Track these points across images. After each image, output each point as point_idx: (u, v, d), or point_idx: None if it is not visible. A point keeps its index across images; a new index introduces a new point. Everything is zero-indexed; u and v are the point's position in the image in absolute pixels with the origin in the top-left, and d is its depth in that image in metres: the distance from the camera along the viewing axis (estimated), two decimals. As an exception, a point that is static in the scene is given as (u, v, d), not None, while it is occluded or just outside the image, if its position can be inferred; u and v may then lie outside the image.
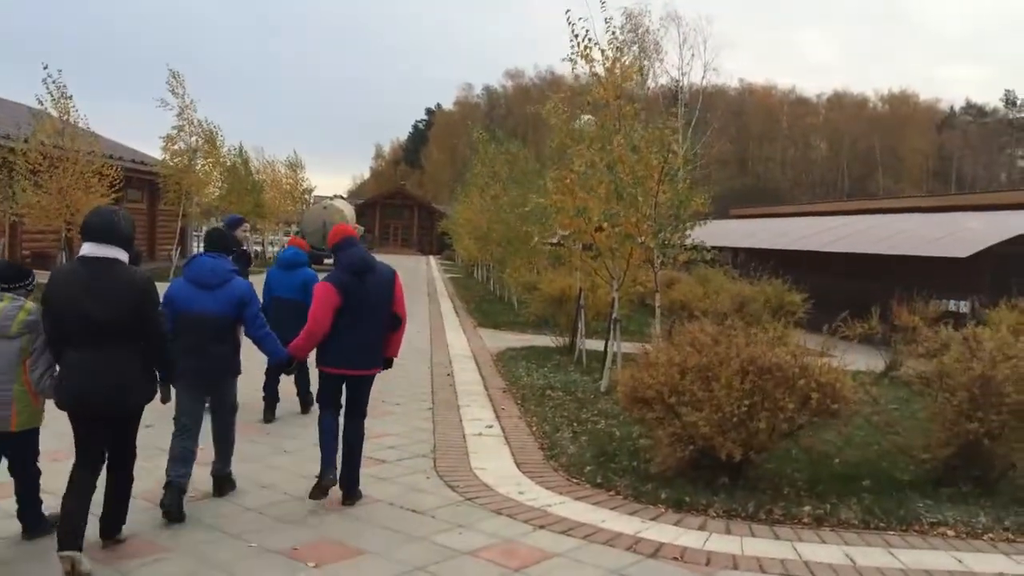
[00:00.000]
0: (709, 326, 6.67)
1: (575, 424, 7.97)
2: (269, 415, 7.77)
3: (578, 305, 12.30)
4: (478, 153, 22.93)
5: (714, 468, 6.01)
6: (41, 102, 18.05)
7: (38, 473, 4.66)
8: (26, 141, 17.15)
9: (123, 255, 4.36)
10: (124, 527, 4.68)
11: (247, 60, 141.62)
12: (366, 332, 5.47)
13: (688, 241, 9.56)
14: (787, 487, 6.01)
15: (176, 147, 25.04)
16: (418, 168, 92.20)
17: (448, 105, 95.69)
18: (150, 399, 4.61)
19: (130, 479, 4.68)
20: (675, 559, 4.79)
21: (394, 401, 8.91)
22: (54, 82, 17.87)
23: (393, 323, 5.66)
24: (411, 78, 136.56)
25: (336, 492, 5.52)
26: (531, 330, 15.79)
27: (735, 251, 26.15)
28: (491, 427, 7.92)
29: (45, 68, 17.91)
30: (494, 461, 6.71)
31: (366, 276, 5.48)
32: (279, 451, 6.79)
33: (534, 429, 7.85)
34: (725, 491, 5.84)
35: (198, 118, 25.48)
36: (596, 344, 12.26)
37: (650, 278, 10.22)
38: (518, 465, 6.63)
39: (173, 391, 5.09)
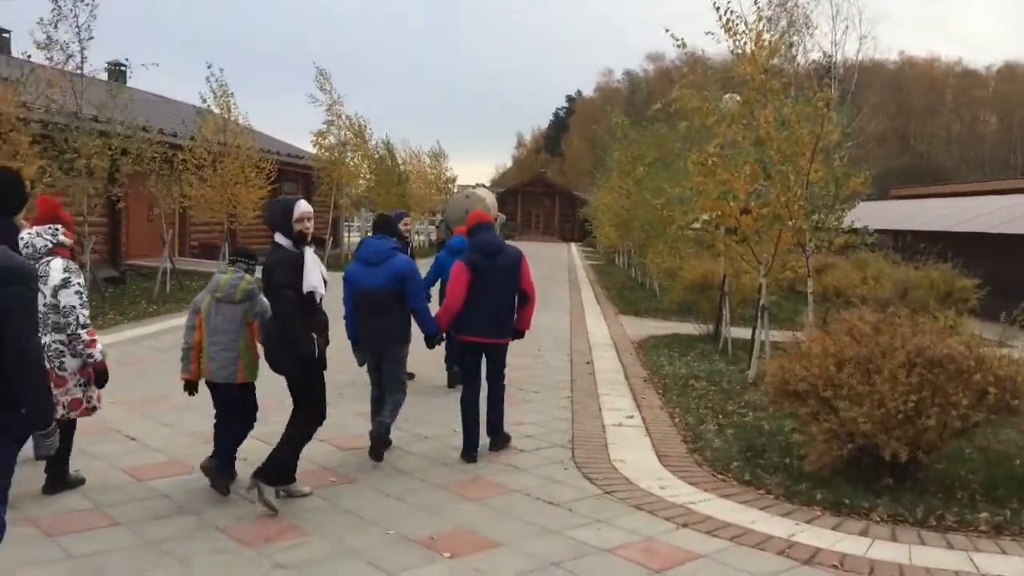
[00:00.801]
0: (869, 314, 6.14)
1: (720, 416, 7.59)
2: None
3: (722, 291, 11.80)
4: (617, 138, 22.55)
5: (876, 468, 5.52)
6: (204, 100, 19.13)
7: (251, 426, 5.36)
8: (192, 138, 18.22)
9: (279, 238, 4.98)
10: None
11: (392, 54, 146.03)
12: (496, 305, 6.15)
13: (846, 223, 8.88)
14: (960, 491, 5.45)
15: (326, 141, 26.05)
16: (559, 156, 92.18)
17: (589, 92, 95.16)
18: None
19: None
20: (834, 567, 4.40)
21: (532, 389, 8.81)
22: (216, 80, 18.89)
23: (522, 298, 6.32)
24: (552, 66, 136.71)
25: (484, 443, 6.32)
26: (674, 317, 15.34)
27: (896, 234, 24.46)
28: (631, 417, 7.66)
29: (209, 67, 19.00)
30: (634, 453, 6.47)
31: (495, 257, 6.17)
32: (419, 437, 6.81)
33: (676, 421, 7.54)
34: (889, 493, 5.35)
35: (346, 113, 26.41)
36: (742, 332, 11.73)
37: (800, 263, 9.63)
38: (660, 458, 6.36)
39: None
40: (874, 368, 5.50)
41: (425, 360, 8.48)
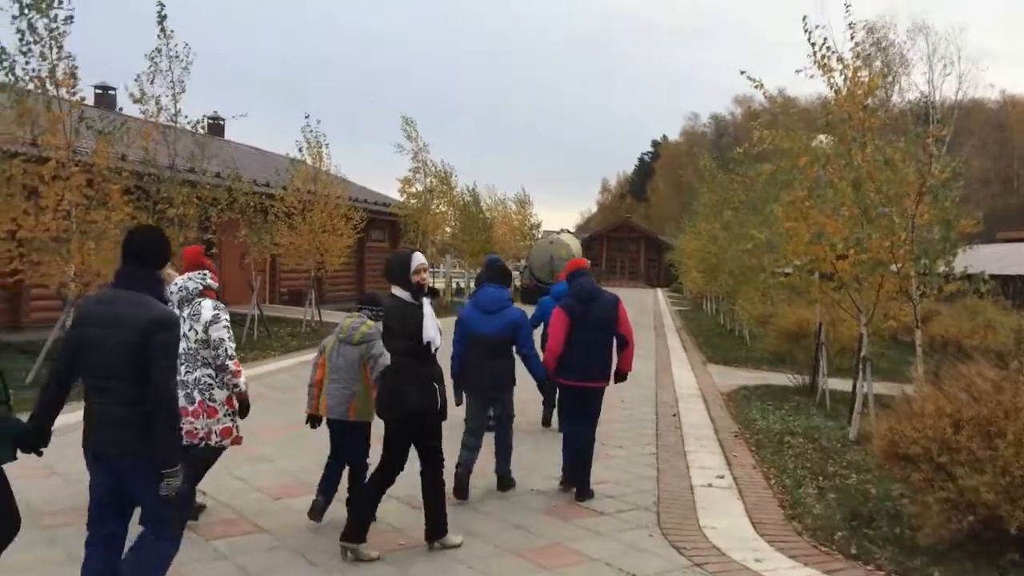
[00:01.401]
0: (988, 369, 5.56)
1: (820, 478, 7.03)
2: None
3: (818, 340, 11.15)
4: (705, 181, 22.05)
5: (1001, 542, 4.93)
6: (300, 149, 19.60)
7: (364, 465, 5.52)
8: (284, 188, 18.65)
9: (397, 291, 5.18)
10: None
11: (474, 102, 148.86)
12: (593, 350, 6.36)
13: (957, 268, 8.23)
14: (1102, 572, 4.80)
15: (412, 189, 26.38)
16: (644, 201, 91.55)
17: (674, 136, 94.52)
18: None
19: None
20: (958, 661, 3.86)
21: (615, 443, 8.40)
22: (312, 131, 19.35)
23: (620, 343, 6.57)
24: (637, 111, 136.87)
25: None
26: (766, 367, 14.66)
27: (1005, 279, 23.07)
28: (722, 477, 7.17)
29: (306, 118, 19.49)
30: (725, 519, 5.99)
31: (591, 302, 6.44)
32: (518, 466, 6.80)
33: (772, 482, 7.01)
34: (1015, 570, 4.76)
35: (431, 160, 26.75)
36: (840, 384, 11.03)
37: (904, 311, 8.98)
38: (754, 525, 5.86)
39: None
40: (996, 431, 4.94)
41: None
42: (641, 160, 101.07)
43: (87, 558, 3.69)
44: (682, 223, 32.34)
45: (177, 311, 5.22)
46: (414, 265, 5.08)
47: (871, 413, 8.45)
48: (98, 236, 11.07)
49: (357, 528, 4.96)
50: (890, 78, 45.24)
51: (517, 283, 34.68)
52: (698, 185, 24.78)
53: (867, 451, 7.07)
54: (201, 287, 5.41)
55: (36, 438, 3.70)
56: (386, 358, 5.29)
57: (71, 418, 4.49)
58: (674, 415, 10.17)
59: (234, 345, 5.37)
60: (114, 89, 24.95)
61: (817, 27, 8.78)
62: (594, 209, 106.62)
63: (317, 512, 5.54)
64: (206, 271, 5.47)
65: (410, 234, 26.61)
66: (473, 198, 34.17)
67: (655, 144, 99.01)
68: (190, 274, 5.45)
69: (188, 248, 5.69)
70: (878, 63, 43.32)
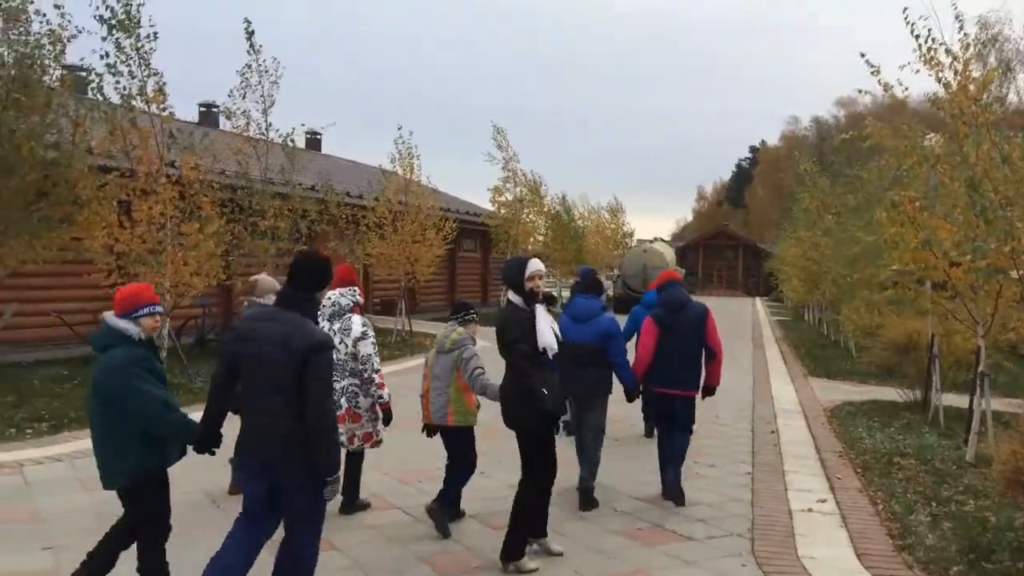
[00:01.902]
0: None
1: (934, 504, 6.46)
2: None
3: (930, 353, 10.40)
4: (806, 186, 21.18)
5: None
6: (392, 161, 19.82)
7: (471, 467, 5.79)
8: (376, 199, 18.89)
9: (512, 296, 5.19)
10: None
11: (568, 108, 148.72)
12: (682, 359, 6.52)
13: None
14: None
15: (502, 198, 26.37)
16: (742, 207, 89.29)
17: (773, 140, 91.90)
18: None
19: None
20: None
21: (707, 462, 7.98)
22: (404, 142, 19.53)
23: (708, 354, 6.63)
24: (734, 115, 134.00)
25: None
26: (872, 380, 13.83)
27: None
28: (824, 501, 6.68)
29: (399, 129, 19.72)
30: (827, 548, 5.53)
31: (680, 312, 6.58)
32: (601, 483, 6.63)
33: (879, 507, 6.48)
34: None
35: (521, 169, 26.68)
36: (955, 400, 10.27)
37: (1025, 321, 8.24)
38: (859, 556, 5.39)
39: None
40: None
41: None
42: (739, 166, 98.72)
43: (223, 549, 3.90)
44: (782, 230, 31.23)
45: (327, 323, 5.80)
46: (528, 271, 5.04)
47: (990, 433, 7.78)
48: (190, 248, 11.35)
49: (517, 545, 4.97)
50: (1006, 75, 42.63)
51: (610, 293, 34.21)
52: (798, 190, 23.80)
53: (986, 475, 6.50)
54: (352, 303, 5.93)
55: (210, 441, 4.06)
56: (477, 360, 5.61)
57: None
58: (772, 432, 9.64)
59: (379, 359, 5.90)
60: (217, 107, 25.95)
61: (921, 18, 8.18)
62: (690, 217, 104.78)
63: (436, 516, 5.61)
64: (355, 287, 5.99)
65: (501, 244, 26.59)
66: (564, 207, 33.93)
67: (753, 149, 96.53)
68: (342, 290, 5.93)
69: (341, 266, 6.05)
70: (992, 59, 41.03)
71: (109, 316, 4.08)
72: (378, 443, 5.99)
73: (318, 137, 33.15)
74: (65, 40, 9.29)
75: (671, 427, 6.68)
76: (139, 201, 10.96)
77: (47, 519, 5.81)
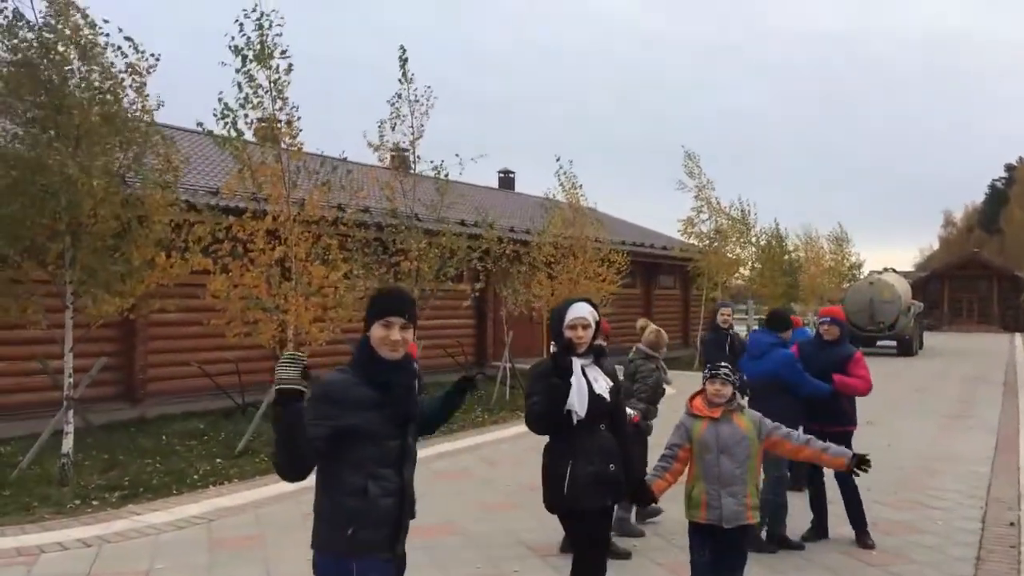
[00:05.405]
0: None
1: None
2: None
3: None
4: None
5: None
6: (554, 194, 18.51)
7: None
8: (540, 234, 17.57)
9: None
10: None
11: (791, 136, 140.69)
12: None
13: None
14: None
15: (695, 230, 24.16)
16: (997, 232, 79.14)
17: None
18: None
19: None
20: None
21: (910, 560, 5.66)
22: (565, 173, 18.18)
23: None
24: (982, 131, 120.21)
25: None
26: None
27: None
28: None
29: (557, 160, 18.39)
30: None
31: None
32: None
33: None
34: None
35: (717, 197, 24.38)
36: None
37: None
38: None
39: None
40: None
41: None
42: (992, 187, 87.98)
43: None
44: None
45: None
46: (568, 318, 4.13)
47: None
48: (313, 293, 10.50)
49: None
50: None
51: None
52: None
53: None
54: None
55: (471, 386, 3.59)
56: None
57: None
58: (1011, 524, 6.94)
59: None
60: (514, 173, 25.90)
61: None
62: (935, 245, 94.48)
63: None
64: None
65: (699, 280, 24.30)
66: (776, 239, 30.75)
67: (1009, 168, 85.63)
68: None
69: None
70: None
71: None
72: None
73: (511, 176, 32.61)
74: (143, 71, 8.74)
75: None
76: (262, 242, 10.29)
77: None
